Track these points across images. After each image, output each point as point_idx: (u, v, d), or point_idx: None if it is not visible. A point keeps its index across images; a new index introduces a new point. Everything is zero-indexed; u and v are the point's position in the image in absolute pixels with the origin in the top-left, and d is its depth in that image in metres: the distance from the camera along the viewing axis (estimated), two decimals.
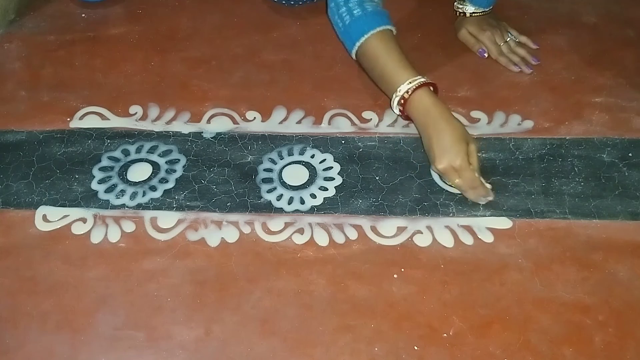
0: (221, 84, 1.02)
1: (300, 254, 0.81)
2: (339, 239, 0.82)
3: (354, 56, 0.95)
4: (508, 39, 1.06)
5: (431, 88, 0.87)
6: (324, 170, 0.90)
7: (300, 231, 0.83)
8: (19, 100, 1.00)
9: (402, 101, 0.87)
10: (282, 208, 0.85)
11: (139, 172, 0.90)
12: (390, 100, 0.89)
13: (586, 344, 0.72)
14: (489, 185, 0.84)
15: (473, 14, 1.06)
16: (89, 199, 0.86)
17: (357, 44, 0.92)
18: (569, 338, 0.72)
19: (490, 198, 0.85)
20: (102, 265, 0.79)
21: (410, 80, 0.86)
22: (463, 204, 0.85)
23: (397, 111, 0.90)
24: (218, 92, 1.00)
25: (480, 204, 0.85)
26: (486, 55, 1.05)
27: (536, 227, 0.83)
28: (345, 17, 0.93)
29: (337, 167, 0.90)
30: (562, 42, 1.09)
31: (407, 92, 0.86)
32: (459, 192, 0.86)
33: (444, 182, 0.87)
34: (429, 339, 0.73)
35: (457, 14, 1.08)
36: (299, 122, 0.96)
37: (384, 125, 0.95)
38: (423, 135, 0.86)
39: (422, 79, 0.86)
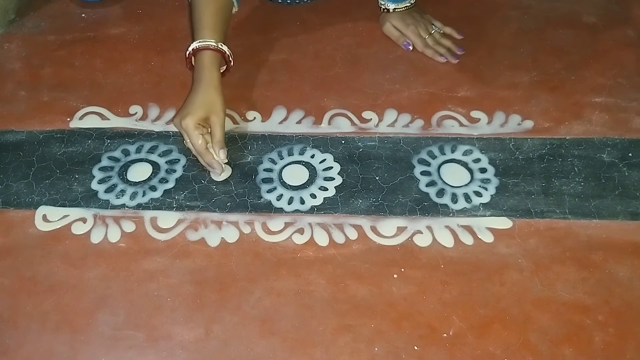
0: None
1: (300, 254, 0.81)
2: (339, 239, 0.82)
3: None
4: (433, 31, 1.07)
5: (225, 60, 0.92)
6: (324, 170, 0.90)
7: (300, 231, 0.83)
8: (19, 100, 1.00)
9: (188, 55, 0.92)
10: (282, 208, 0.85)
11: (139, 172, 0.90)
12: None
13: (586, 344, 0.72)
14: (222, 157, 0.85)
15: (396, 10, 1.07)
16: (89, 199, 0.86)
17: None
18: (569, 338, 0.72)
19: (217, 172, 0.87)
20: (102, 265, 0.79)
21: (200, 40, 0.90)
22: (463, 204, 0.85)
23: (186, 63, 0.94)
24: None
25: (479, 205, 0.85)
26: (411, 48, 1.06)
27: (536, 227, 0.83)
28: None
29: (337, 167, 0.90)
30: (562, 42, 1.09)
31: (193, 49, 0.91)
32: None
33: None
34: (429, 339, 0.73)
35: (381, 10, 1.09)
36: (299, 122, 0.96)
37: (384, 125, 0.95)
38: None
39: (212, 44, 0.90)
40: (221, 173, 0.87)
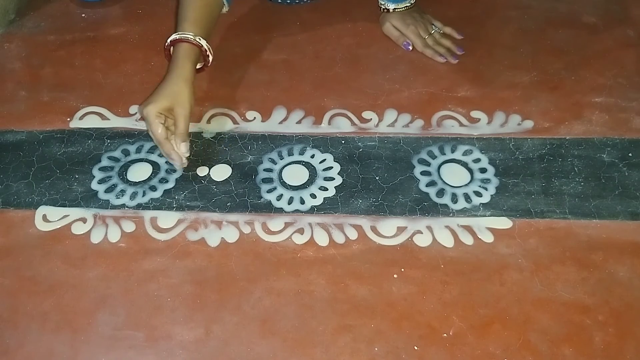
0: (221, 84, 1.01)
1: (300, 254, 0.81)
2: (339, 239, 0.82)
3: None
4: (432, 31, 1.07)
5: (202, 54, 0.92)
6: (324, 170, 0.90)
7: (300, 231, 0.83)
8: (19, 100, 1.00)
9: (167, 45, 0.92)
10: (282, 208, 0.85)
11: (139, 172, 0.90)
12: None
13: (586, 344, 0.72)
14: (184, 150, 0.85)
15: (396, 10, 1.08)
16: (89, 199, 0.86)
17: None
18: (569, 338, 0.72)
19: (176, 164, 0.87)
20: (102, 265, 0.79)
21: (179, 33, 0.90)
22: (463, 204, 0.85)
23: (165, 51, 0.94)
24: (218, 92, 1.00)
25: (479, 205, 0.85)
26: (411, 48, 1.06)
27: (536, 227, 0.83)
28: None
29: (337, 167, 0.90)
30: (562, 42, 1.09)
31: (171, 40, 0.91)
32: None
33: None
34: (429, 339, 0.73)
35: (381, 10, 1.09)
36: (299, 122, 0.96)
37: (384, 125, 0.95)
38: None
39: (190, 37, 0.90)
40: (180, 165, 0.87)
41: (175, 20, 0.96)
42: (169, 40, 0.91)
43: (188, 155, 0.87)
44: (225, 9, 0.99)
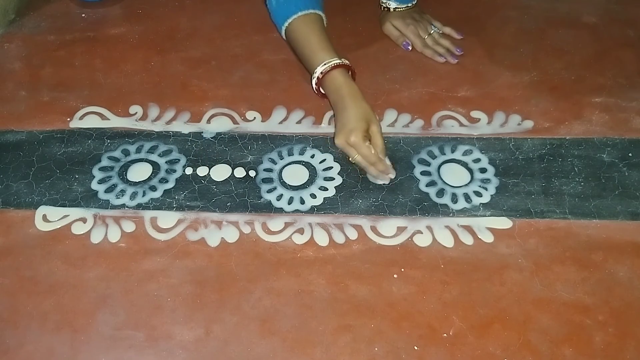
0: (221, 84, 1.02)
1: (300, 254, 0.81)
2: (339, 239, 0.82)
3: (284, 37, 0.99)
4: (432, 31, 1.07)
5: (349, 71, 0.92)
6: (324, 170, 0.90)
7: (300, 231, 0.83)
8: (19, 100, 1.00)
9: (317, 81, 0.92)
10: (282, 208, 0.85)
11: (139, 172, 0.90)
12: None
13: (586, 344, 0.72)
14: (388, 163, 0.87)
15: (397, 9, 1.08)
16: (89, 199, 0.86)
17: (283, 28, 0.97)
18: (569, 338, 0.72)
19: (392, 176, 0.88)
20: (102, 265, 0.79)
21: (325, 62, 0.90)
22: (463, 204, 0.85)
23: (315, 91, 0.95)
24: (218, 92, 1.00)
25: (479, 205, 0.85)
26: (410, 48, 1.07)
27: (536, 227, 0.83)
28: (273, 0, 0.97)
29: (337, 167, 0.90)
30: (562, 42, 1.09)
31: (322, 72, 0.91)
32: (365, 173, 0.88)
33: (349, 160, 0.89)
34: (429, 339, 0.73)
35: (382, 9, 1.10)
36: (299, 122, 0.96)
37: (384, 125, 0.95)
38: (334, 113, 0.91)
39: (336, 61, 0.90)
40: (391, 177, 0.88)
41: (298, 59, 0.98)
42: (318, 73, 0.91)
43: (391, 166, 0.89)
44: (325, 21, 0.98)
